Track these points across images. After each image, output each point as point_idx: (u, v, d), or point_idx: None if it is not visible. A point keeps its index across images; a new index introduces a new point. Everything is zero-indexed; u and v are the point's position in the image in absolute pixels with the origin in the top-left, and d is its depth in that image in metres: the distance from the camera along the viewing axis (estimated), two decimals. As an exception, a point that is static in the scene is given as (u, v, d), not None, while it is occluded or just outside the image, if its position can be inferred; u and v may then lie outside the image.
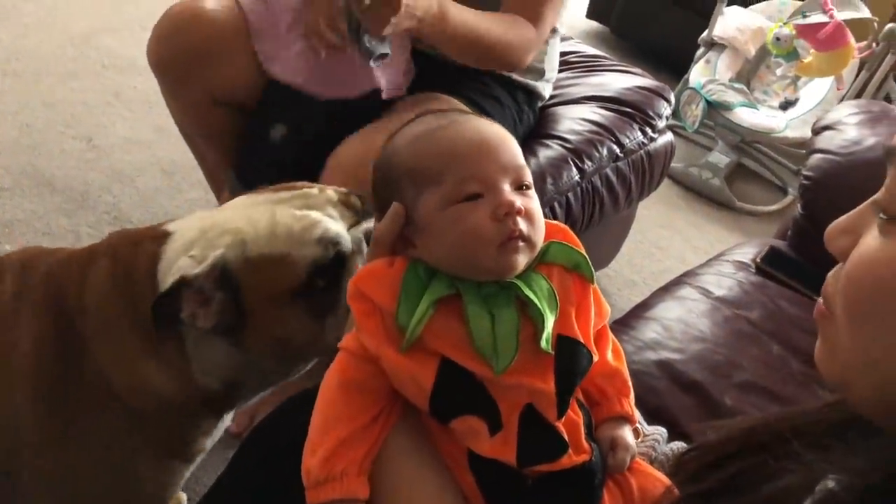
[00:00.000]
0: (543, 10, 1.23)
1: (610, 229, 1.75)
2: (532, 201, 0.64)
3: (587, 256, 0.66)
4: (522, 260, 0.62)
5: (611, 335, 0.69)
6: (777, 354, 1.17)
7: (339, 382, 0.62)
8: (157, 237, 0.84)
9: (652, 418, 0.79)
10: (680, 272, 2.07)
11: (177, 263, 0.79)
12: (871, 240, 0.41)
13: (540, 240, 0.64)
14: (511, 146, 0.66)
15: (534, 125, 1.45)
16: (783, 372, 1.14)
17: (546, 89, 1.45)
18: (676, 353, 1.11)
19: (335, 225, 0.83)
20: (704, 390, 1.06)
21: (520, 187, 0.64)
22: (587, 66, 1.71)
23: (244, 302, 0.79)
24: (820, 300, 0.46)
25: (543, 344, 0.59)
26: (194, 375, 0.83)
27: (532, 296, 0.61)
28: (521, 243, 0.61)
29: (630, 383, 0.68)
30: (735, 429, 0.58)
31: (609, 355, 0.67)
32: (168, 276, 0.79)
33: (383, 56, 1.10)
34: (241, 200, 0.87)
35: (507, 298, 0.61)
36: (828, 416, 0.53)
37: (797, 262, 1.38)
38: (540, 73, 1.41)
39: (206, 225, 0.82)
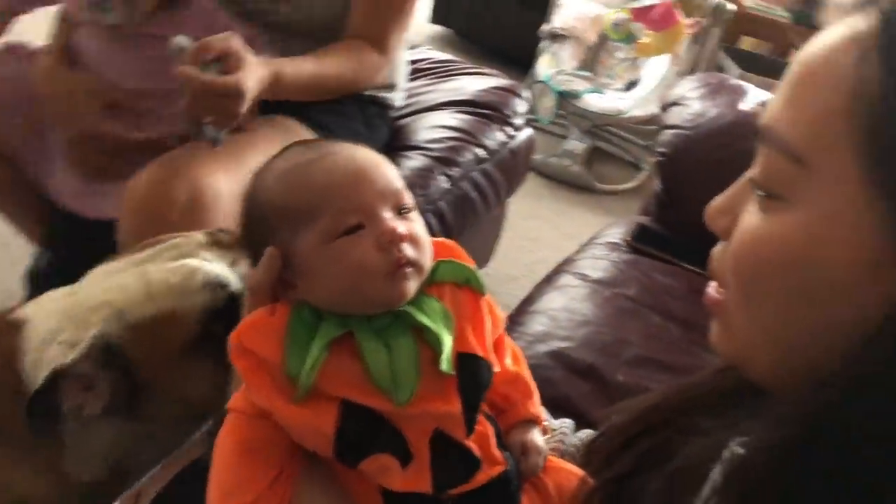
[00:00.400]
0: (388, 34, 1.24)
1: (484, 230, 1.77)
2: (415, 224, 0.63)
3: (474, 268, 0.65)
4: (413, 286, 0.60)
5: (508, 340, 0.69)
6: (658, 324, 1.23)
7: (234, 446, 0.58)
8: (9, 328, 0.75)
9: (553, 409, 0.80)
10: (554, 260, 2.13)
11: (46, 354, 0.71)
12: (752, 217, 0.42)
13: (428, 263, 0.62)
14: (386, 170, 0.64)
15: (388, 137, 1.45)
16: (666, 340, 1.19)
17: (397, 99, 1.45)
18: (566, 342, 1.13)
19: (216, 266, 0.78)
20: (598, 372, 1.09)
21: (401, 211, 0.62)
22: (439, 71, 1.73)
23: (137, 373, 0.73)
24: (710, 286, 0.47)
25: (444, 367, 0.58)
26: (73, 471, 0.75)
27: (426, 320, 0.59)
28: (409, 269, 0.60)
29: (533, 384, 0.68)
30: (638, 409, 0.58)
31: (508, 361, 0.67)
32: (40, 371, 0.70)
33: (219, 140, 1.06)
34: (99, 272, 0.80)
35: (401, 327, 0.59)
36: (721, 383, 0.54)
37: (664, 235, 1.44)
38: (389, 86, 1.41)
39: (68, 305, 0.75)
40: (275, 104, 1.19)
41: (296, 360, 0.57)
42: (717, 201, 0.45)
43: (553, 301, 1.23)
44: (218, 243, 0.82)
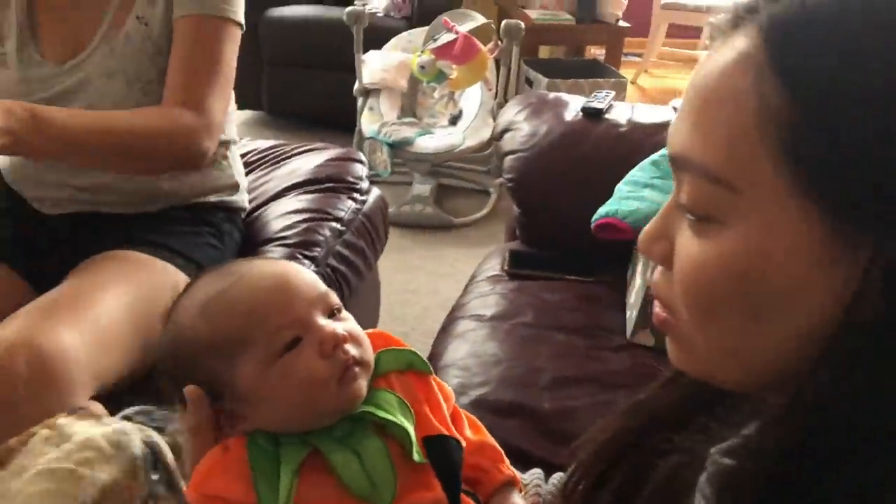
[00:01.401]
0: (202, 93, 1.16)
1: (363, 299, 1.73)
2: (350, 322, 0.62)
3: (415, 350, 0.65)
4: (364, 385, 0.59)
5: (461, 411, 0.68)
6: (562, 342, 1.24)
7: None
8: None
9: None
10: (438, 304, 2.14)
11: None
12: (689, 242, 0.42)
13: (371, 357, 0.61)
14: (307, 276, 0.62)
15: (241, 240, 1.39)
16: (575, 355, 1.21)
17: (244, 200, 1.40)
18: (483, 387, 1.12)
19: (99, 438, 0.70)
20: (523, 407, 1.09)
21: (332, 314, 0.61)
22: (269, 160, 1.68)
23: None
24: (656, 306, 0.46)
25: (416, 457, 0.58)
26: None
27: (386, 415, 0.59)
28: (357, 369, 0.59)
29: (498, 446, 0.68)
30: (602, 440, 0.57)
31: (468, 432, 0.66)
32: None
33: None
34: None
35: (364, 429, 0.58)
36: (677, 393, 0.54)
37: (536, 255, 1.47)
38: (233, 187, 1.35)
39: None
40: (99, 243, 1.10)
41: (268, 495, 0.55)
42: (648, 229, 0.45)
43: (458, 350, 1.21)
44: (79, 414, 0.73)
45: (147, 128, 1.09)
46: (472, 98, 2.81)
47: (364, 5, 3.23)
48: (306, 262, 1.36)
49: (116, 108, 1.15)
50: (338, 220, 1.49)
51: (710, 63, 0.40)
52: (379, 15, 3.33)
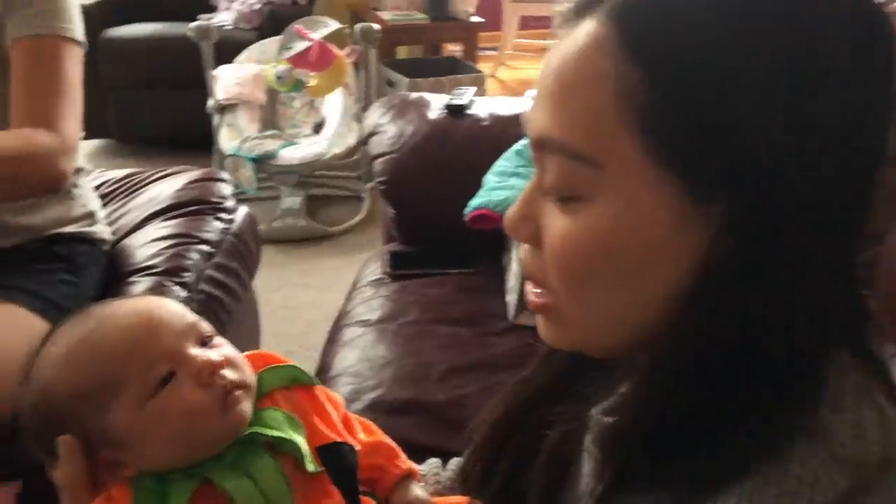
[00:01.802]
0: (52, 114, 1.11)
1: (242, 322, 1.67)
2: (225, 348, 0.61)
3: (296, 364, 0.65)
4: (248, 407, 0.59)
5: (354, 415, 0.69)
6: (448, 334, 1.25)
7: None
8: None
9: None
10: (321, 317, 2.10)
11: None
12: (557, 221, 0.44)
13: (252, 379, 0.60)
14: (173, 308, 0.61)
15: (102, 275, 1.30)
16: (461, 345, 1.23)
17: (103, 231, 1.32)
18: (377, 390, 1.12)
19: None
20: (418, 402, 1.10)
21: (204, 342, 0.60)
22: (125, 189, 1.59)
23: None
24: (528, 290, 0.48)
25: (310, 468, 0.58)
26: None
27: (275, 432, 0.58)
28: (238, 392, 0.58)
29: (393, 444, 0.69)
30: (492, 420, 0.59)
31: (362, 435, 0.67)
32: None
33: None
34: None
35: (254, 451, 0.58)
36: (555, 367, 0.56)
37: (415, 253, 1.48)
38: (88, 216, 1.28)
39: None
40: None
41: None
42: (512, 212, 0.47)
43: (347, 358, 1.20)
44: None
45: (3, 150, 1.05)
46: (334, 104, 2.78)
47: (210, 19, 3.12)
48: (176, 288, 1.30)
49: None
50: (206, 242, 1.43)
51: (563, 49, 0.42)
52: (228, 28, 3.23)
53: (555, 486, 0.54)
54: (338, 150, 2.63)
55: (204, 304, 1.36)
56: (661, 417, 0.42)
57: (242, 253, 1.54)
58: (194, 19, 2.82)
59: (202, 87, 2.71)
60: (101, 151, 3.22)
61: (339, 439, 0.62)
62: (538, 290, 0.47)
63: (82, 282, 1.21)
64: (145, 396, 0.56)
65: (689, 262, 0.41)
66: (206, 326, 0.61)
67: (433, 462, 0.75)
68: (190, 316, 0.61)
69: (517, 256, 1.28)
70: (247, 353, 0.64)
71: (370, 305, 1.33)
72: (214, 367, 0.57)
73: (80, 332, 0.59)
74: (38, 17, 1.12)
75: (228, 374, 0.58)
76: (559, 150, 0.42)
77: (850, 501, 0.37)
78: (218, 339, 0.61)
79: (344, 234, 2.62)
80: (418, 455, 0.75)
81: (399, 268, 1.43)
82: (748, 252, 0.39)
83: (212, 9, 3.49)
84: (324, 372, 1.20)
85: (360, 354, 1.20)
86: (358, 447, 0.64)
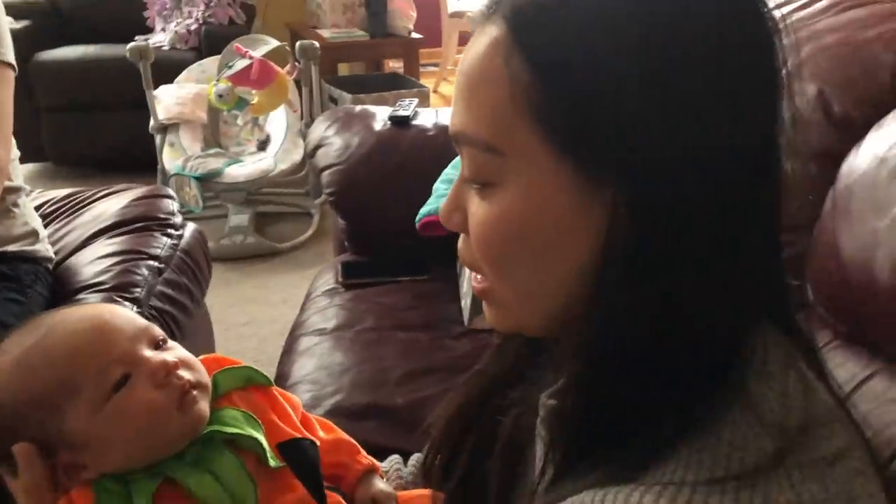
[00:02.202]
0: None
1: (195, 338, 1.66)
2: (178, 350, 0.62)
3: (251, 366, 0.66)
4: (205, 406, 0.60)
5: (311, 415, 0.70)
6: (405, 339, 1.27)
7: None
8: None
9: None
10: (277, 332, 2.09)
11: None
12: (477, 207, 0.47)
13: (207, 379, 0.62)
14: (124, 313, 0.63)
15: (49, 293, 1.28)
16: (418, 349, 1.24)
17: (47, 249, 1.30)
18: (336, 395, 1.12)
19: None
20: (377, 406, 1.11)
21: (158, 345, 0.61)
22: (68, 208, 1.57)
23: None
24: (473, 280, 0.51)
25: (272, 462, 0.59)
26: None
27: (234, 430, 0.59)
28: (195, 392, 0.59)
29: (353, 441, 0.70)
30: (448, 414, 0.61)
31: (321, 433, 0.69)
32: None
33: None
34: None
35: (214, 449, 0.59)
36: (506, 357, 0.58)
37: (367, 263, 1.50)
38: (30, 234, 1.26)
39: None
40: None
41: None
42: (444, 204, 0.50)
43: (304, 367, 1.21)
44: None
45: None
46: (278, 121, 2.77)
47: (146, 40, 3.09)
48: (127, 304, 1.28)
49: None
50: (155, 258, 1.42)
51: (472, 51, 0.46)
52: (165, 49, 3.20)
53: (511, 471, 0.56)
54: (284, 166, 2.63)
55: (155, 320, 1.34)
56: (595, 397, 0.44)
57: (192, 269, 1.53)
58: (129, 41, 2.78)
59: (138, 108, 2.68)
60: (37, 174, 3.14)
61: (298, 435, 0.63)
62: (478, 277, 0.50)
63: (29, 301, 1.19)
64: (101, 399, 0.57)
65: (592, 241, 0.43)
66: (158, 331, 0.62)
67: (394, 458, 0.76)
68: (141, 320, 0.62)
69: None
70: (201, 356, 0.65)
71: (325, 315, 1.34)
72: (170, 368, 0.58)
73: (31, 340, 0.59)
74: None
75: (184, 374, 0.59)
76: (470, 143, 0.46)
77: (777, 461, 0.39)
78: (171, 343, 0.63)
79: (294, 251, 2.61)
80: (379, 457, 0.76)
81: (352, 277, 1.44)
82: (643, 229, 0.42)
83: (147, 30, 3.45)
84: (282, 380, 1.20)
85: (317, 362, 1.21)
86: (318, 443, 0.65)
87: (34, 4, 3.28)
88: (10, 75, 1.16)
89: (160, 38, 3.31)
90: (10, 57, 1.16)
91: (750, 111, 0.43)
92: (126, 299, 1.29)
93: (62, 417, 0.57)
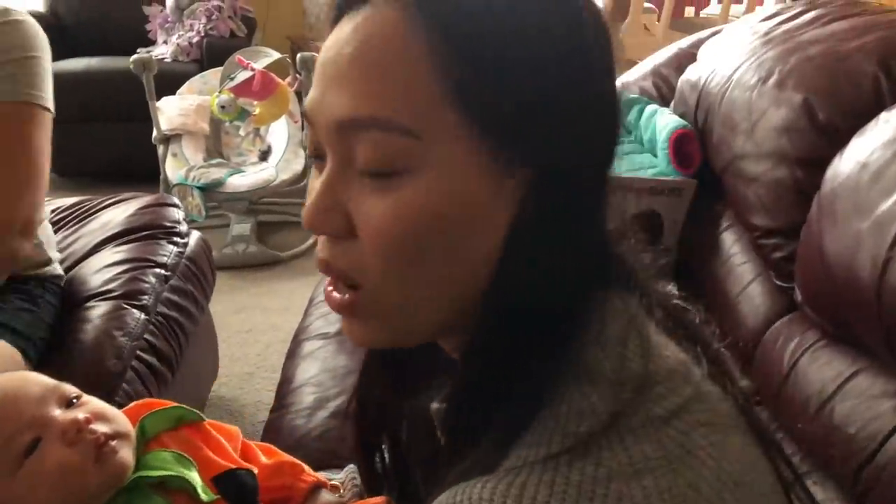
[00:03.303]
0: (5, 197, 1.07)
1: (200, 344, 1.69)
2: (92, 404, 0.62)
3: (183, 400, 0.67)
4: (127, 455, 0.60)
5: (252, 442, 0.71)
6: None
7: None
8: None
9: None
10: (279, 339, 2.12)
11: None
12: (373, 202, 0.43)
13: (127, 427, 0.62)
14: (31, 377, 0.63)
15: (59, 302, 1.31)
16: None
17: (56, 269, 1.32)
18: (340, 397, 1.14)
19: None
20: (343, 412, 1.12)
21: (70, 403, 0.61)
22: (76, 216, 1.60)
23: None
24: (330, 289, 0.46)
25: (204, 496, 0.60)
26: None
27: (160, 472, 0.60)
28: (112, 442, 0.60)
29: (297, 460, 0.70)
30: (352, 428, 0.60)
31: (262, 458, 0.69)
32: None
33: None
34: None
35: (142, 495, 0.59)
36: (379, 375, 0.58)
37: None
38: (48, 261, 1.28)
39: None
40: None
41: None
42: (314, 205, 0.44)
43: (308, 370, 1.23)
44: None
45: None
46: (279, 132, 2.81)
47: (149, 52, 3.13)
48: (135, 311, 1.32)
49: None
50: (162, 266, 1.45)
51: (356, 36, 0.43)
52: (167, 61, 3.24)
53: (432, 479, 0.53)
54: (285, 176, 2.66)
55: (162, 327, 1.37)
56: (469, 392, 0.44)
57: (197, 276, 1.56)
58: (132, 53, 2.82)
59: (143, 120, 2.71)
60: (42, 187, 3.18)
61: (233, 466, 0.64)
62: (345, 288, 0.45)
63: (41, 311, 1.21)
64: (14, 466, 0.58)
65: (501, 229, 0.43)
66: (69, 388, 0.63)
67: (350, 468, 0.76)
68: (50, 381, 0.62)
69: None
70: (129, 405, 0.66)
71: (328, 319, 1.37)
72: (80, 425, 0.59)
73: None
74: (8, 80, 1.09)
75: (98, 427, 0.60)
76: (374, 126, 0.42)
77: (613, 424, 0.39)
78: (86, 398, 0.63)
79: (295, 259, 2.65)
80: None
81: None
82: (544, 210, 0.42)
83: (149, 42, 3.49)
84: (286, 383, 1.23)
85: (321, 365, 1.23)
86: (256, 470, 0.66)
87: (38, 17, 3.32)
88: (47, 118, 1.15)
89: (162, 50, 3.35)
90: (47, 101, 1.15)
91: (607, 91, 0.46)
92: (134, 307, 1.32)
93: None
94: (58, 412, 0.60)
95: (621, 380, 0.41)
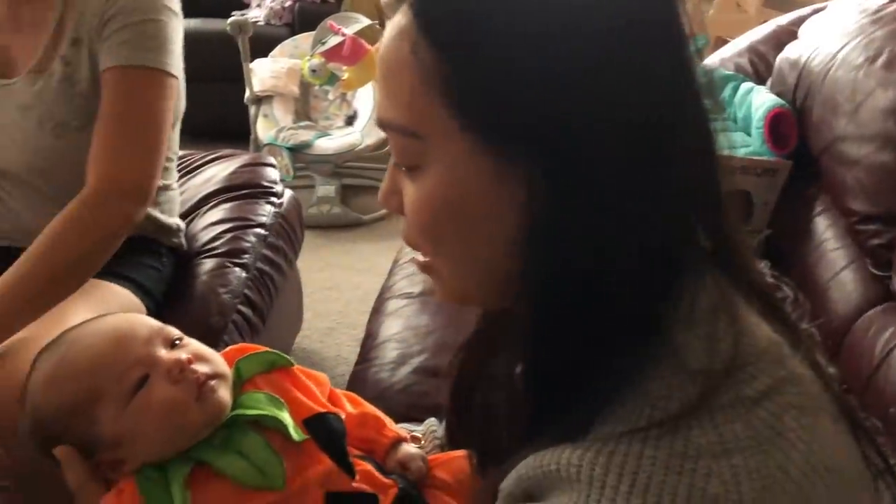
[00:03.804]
0: (126, 163, 1.07)
1: (288, 299, 1.77)
2: (193, 346, 0.67)
3: (272, 348, 0.71)
4: (225, 394, 0.64)
5: (340, 391, 0.74)
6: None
7: None
8: None
9: (438, 414, 0.82)
10: (359, 298, 2.19)
11: None
12: (408, 189, 0.48)
13: (225, 368, 0.66)
14: (138, 319, 0.68)
15: (177, 258, 1.38)
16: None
17: (182, 235, 1.38)
18: (422, 355, 1.19)
19: None
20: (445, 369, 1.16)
21: (173, 344, 0.66)
22: (181, 169, 1.69)
23: None
24: (415, 255, 0.53)
25: (295, 436, 0.63)
26: None
27: (256, 411, 0.64)
28: (212, 382, 0.64)
29: (380, 414, 0.73)
30: (450, 384, 0.64)
31: (349, 407, 0.72)
32: None
33: None
34: None
35: (240, 430, 0.64)
36: (484, 331, 0.61)
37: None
38: (171, 230, 1.33)
39: None
40: None
41: None
42: (382, 188, 0.52)
43: (392, 327, 1.28)
44: None
45: (62, 246, 1.02)
46: (365, 98, 2.86)
47: (244, 15, 3.22)
48: (237, 269, 1.40)
49: (24, 146, 1.13)
50: (261, 225, 1.53)
51: (385, 39, 0.48)
52: (260, 24, 3.33)
53: (516, 440, 0.55)
54: (370, 141, 2.72)
55: (259, 283, 1.46)
56: (538, 363, 0.46)
57: (289, 233, 1.64)
58: (227, 16, 2.91)
59: (235, 81, 2.80)
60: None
61: (322, 410, 0.67)
62: (419, 255, 0.52)
63: (163, 268, 1.30)
64: (123, 401, 0.62)
65: (515, 215, 0.44)
66: (173, 331, 0.67)
67: (431, 422, 0.79)
68: (155, 323, 0.67)
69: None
70: (227, 349, 0.70)
71: (412, 280, 1.41)
72: (183, 365, 0.63)
73: (55, 358, 0.66)
74: (132, 46, 1.10)
75: (199, 367, 0.64)
76: (391, 128, 0.47)
77: (701, 405, 0.40)
78: (187, 340, 0.67)
79: (376, 222, 2.71)
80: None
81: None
82: (560, 196, 0.43)
83: (243, 6, 3.58)
84: (370, 338, 1.28)
85: (404, 323, 1.28)
86: (343, 415, 0.69)
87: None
88: (171, 84, 1.15)
89: (256, 14, 3.44)
90: (173, 67, 1.15)
91: (649, 70, 0.43)
92: (236, 265, 1.41)
93: (94, 421, 0.63)
94: (163, 352, 0.64)
95: (711, 359, 0.42)
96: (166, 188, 1.31)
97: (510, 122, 0.43)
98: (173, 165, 1.34)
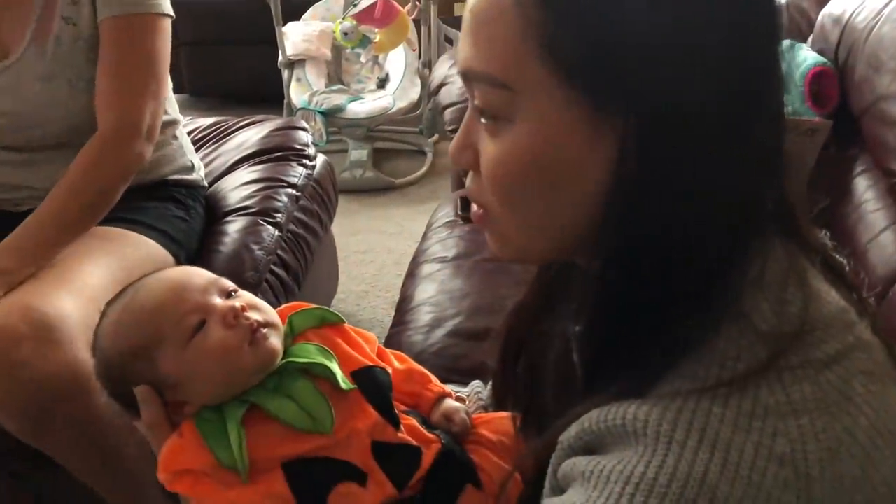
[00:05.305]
0: (130, 101, 1.15)
1: (322, 262, 1.79)
2: (246, 296, 0.70)
3: (324, 306, 0.73)
4: (276, 342, 0.67)
5: (388, 350, 0.76)
6: (521, 270, 1.32)
7: None
8: None
9: (474, 376, 0.85)
10: (393, 261, 2.21)
11: None
12: (488, 145, 0.48)
13: (276, 318, 0.69)
14: (196, 270, 0.72)
15: (205, 213, 1.43)
16: (530, 279, 1.30)
17: (201, 177, 1.43)
18: (457, 318, 1.20)
19: None
20: (495, 330, 1.17)
21: (229, 295, 0.69)
22: (214, 135, 1.71)
23: None
24: (474, 206, 0.53)
25: (343, 385, 0.66)
26: None
27: (307, 359, 0.67)
28: (265, 330, 0.67)
29: (426, 370, 0.75)
30: (499, 345, 0.65)
31: (396, 364, 0.74)
32: None
33: None
34: None
35: (291, 377, 0.66)
36: (542, 289, 0.62)
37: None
38: (190, 165, 1.39)
39: None
40: None
41: (224, 451, 0.63)
42: (455, 142, 0.51)
43: (426, 290, 1.29)
44: None
45: (86, 182, 1.12)
46: (397, 60, 2.85)
47: (276, -22, 3.21)
48: (270, 227, 1.42)
49: (65, 111, 1.18)
50: (293, 186, 1.54)
51: None
52: (292, -14, 3.31)
53: (564, 399, 0.56)
54: (402, 104, 2.71)
55: (292, 243, 1.47)
56: (608, 318, 0.47)
57: (322, 197, 1.65)
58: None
59: (268, 44, 2.81)
60: (179, 104, 3.37)
61: (370, 363, 0.70)
62: (479, 210, 0.52)
63: (192, 221, 1.33)
64: (182, 344, 0.66)
65: (603, 171, 0.45)
66: (227, 283, 0.71)
67: (475, 384, 0.81)
68: (211, 275, 0.70)
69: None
70: (279, 308, 0.73)
71: (445, 244, 1.42)
72: (237, 311, 0.66)
73: (120, 306, 0.70)
74: None
75: (252, 314, 0.67)
76: (480, 79, 0.47)
77: (770, 366, 0.41)
78: (241, 292, 0.71)
79: (408, 186, 2.72)
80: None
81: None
82: (651, 156, 0.43)
83: (276, -32, 3.57)
84: (405, 301, 1.30)
85: (438, 287, 1.29)
86: (390, 370, 0.71)
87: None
88: (166, 25, 1.20)
89: (287, -24, 3.42)
90: (166, 7, 1.20)
91: (747, 37, 0.44)
92: (268, 223, 1.42)
93: (156, 363, 0.66)
94: (219, 300, 0.67)
95: (780, 322, 0.43)
96: (173, 124, 1.35)
97: (613, 79, 0.43)
98: (175, 104, 1.39)
